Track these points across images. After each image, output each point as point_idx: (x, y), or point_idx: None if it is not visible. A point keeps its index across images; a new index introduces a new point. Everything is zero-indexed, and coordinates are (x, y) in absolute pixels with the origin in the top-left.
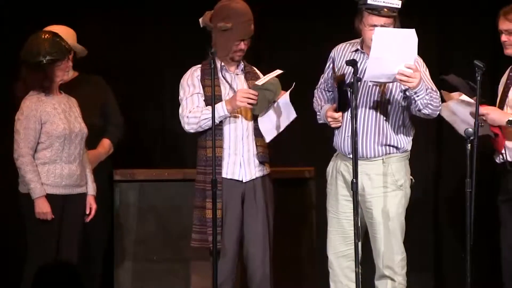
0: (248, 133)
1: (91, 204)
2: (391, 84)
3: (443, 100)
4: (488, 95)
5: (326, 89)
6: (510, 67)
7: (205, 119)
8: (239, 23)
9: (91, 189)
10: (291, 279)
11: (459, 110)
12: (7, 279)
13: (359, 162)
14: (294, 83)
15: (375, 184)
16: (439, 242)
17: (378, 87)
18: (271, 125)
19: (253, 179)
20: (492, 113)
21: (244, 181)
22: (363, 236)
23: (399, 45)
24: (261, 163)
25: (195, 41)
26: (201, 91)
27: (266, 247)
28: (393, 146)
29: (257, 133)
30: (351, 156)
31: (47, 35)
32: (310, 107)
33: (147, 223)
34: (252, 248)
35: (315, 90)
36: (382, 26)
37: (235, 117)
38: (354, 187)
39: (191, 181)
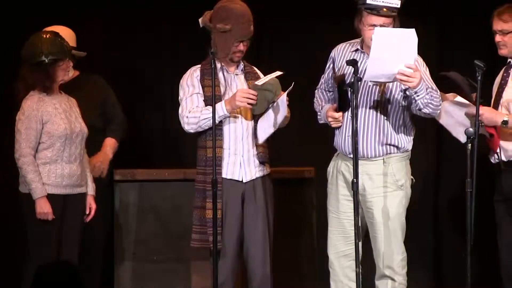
0: (248, 133)
1: (91, 204)
2: (391, 83)
3: None
4: (487, 95)
5: (326, 89)
6: (504, 67)
7: (205, 119)
8: (238, 25)
9: (90, 189)
10: (291, 279)
11: (455, 112)
12: (7, 279)
13: (360, 162)
14: (293, 83)
15: (375, 184)
16: (439, 242)
17: (378, 87)
18: (267, 124)
19: (253, 179)
20: (487, 113)
21: (244, 181)
22: (363, 236)
23: (399, 44)
24: (261, 163)
25: (195, 41)
26: (201, 91)
27: (266, 247)
28: (393, 146)
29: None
30: (351, 156)
31: (48, 35)
32: (310, 107)
33: (147, 223)
34: (252, 248)
35: (316, 91)
36: (381, 25)
37: (235, 117)
38: (354, 187)
39: (191, 181)
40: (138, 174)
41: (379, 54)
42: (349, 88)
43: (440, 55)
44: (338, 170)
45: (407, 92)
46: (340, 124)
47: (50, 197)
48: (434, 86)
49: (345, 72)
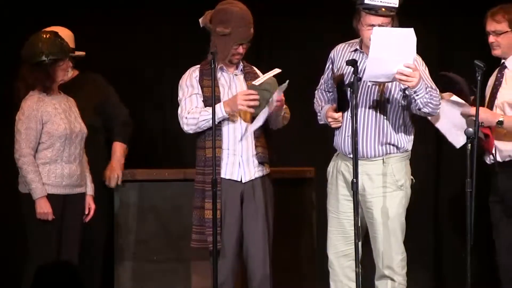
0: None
1: (90, 204)
2: (390, 83)
3: None
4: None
5: (326, 90)
6: (498, 68)
7: (204, 120)
8: (238, 28)
9: (90, 189)
10: (291, 279)
11: (450, 111)
12: (7, 279)
13: (360, 162)
14: (287, 81)
15: (375, 184)
16: (439, 242)
17: (377, 87)
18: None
19: (252, 180)
20: (482, 114)
21: (243, 181)
22: (363, 236)
23: (397, 44)
24: (260, 163)
25: (195, 41)
26: (200, 92)
27: (266, 247)
28: (393, 146)
29: (257, 134)
30: (351, 156)
31: (48, 35)
32: (310, 107)
33: (147, 223)
34: (252, 248)
35: (316, 91)
36: (379, 25)
37: (234, 118)
38: (354, 187)
39: (191, 181)
40: (138, 174)
41: (378, 54)
42: (349, 88)
43: (440, 55)
44: (338, 170)
45: (407, 92)
46: (340, 124)
47: (50, 197)
48: (434, 86)
49: (344, 72)
